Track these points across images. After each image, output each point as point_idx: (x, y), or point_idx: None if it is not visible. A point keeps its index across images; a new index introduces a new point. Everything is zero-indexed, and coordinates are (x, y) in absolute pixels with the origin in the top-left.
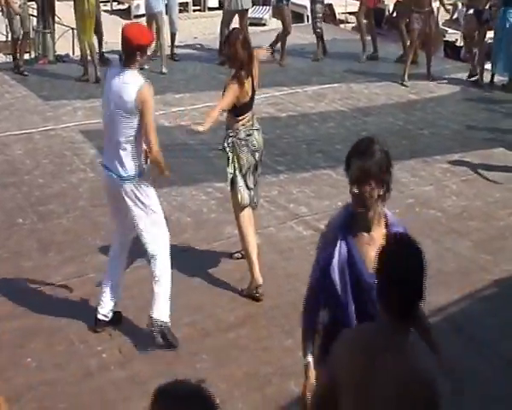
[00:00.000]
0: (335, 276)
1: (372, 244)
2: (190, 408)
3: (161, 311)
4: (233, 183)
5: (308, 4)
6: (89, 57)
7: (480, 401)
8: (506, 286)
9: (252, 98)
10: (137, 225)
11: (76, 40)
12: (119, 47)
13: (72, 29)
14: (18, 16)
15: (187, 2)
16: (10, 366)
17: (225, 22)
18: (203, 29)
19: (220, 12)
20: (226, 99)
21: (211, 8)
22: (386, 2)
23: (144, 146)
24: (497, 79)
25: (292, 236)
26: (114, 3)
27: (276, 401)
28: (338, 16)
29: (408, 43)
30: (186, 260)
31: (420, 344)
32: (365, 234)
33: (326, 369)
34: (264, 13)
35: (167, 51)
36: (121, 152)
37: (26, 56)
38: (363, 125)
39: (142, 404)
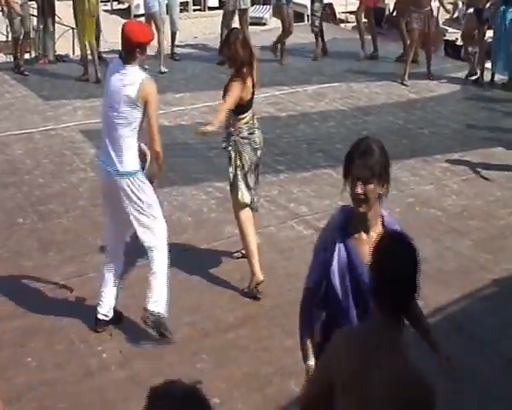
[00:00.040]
0: (336, 281)
1: (371, 245)
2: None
3: (158, 303)
4: (234, 182)
5: (309, 4)
6: (89, 57)
7: (481, 400)
8: (506, 285)
9: (252, 96)
10: (134, 220)
11: (76, 40)
12: (119, 46)
13: (73, 29)
14: (18, 16)
15: (187, 2)
16: (11, 365)
17: (225, 22)
18: (203, 29)
19: (220, 11)
20: (232, 98)
21: (211, 8)
22: (386, 2)
23: (143, 146)
24: (497, 77)
25: (292, 235)
26: (114, 3)
27: (276, 402)
28: (338, 16)
29: (408, 43)
30: (186, 259)
31: (421, 344)
32: (364, 234)
33: (319, 369)
34: (265, 12)
35: (167, 51)
36: (119, 147)
37: (27, 56)
38: (363, 124)
39: (143, 404)
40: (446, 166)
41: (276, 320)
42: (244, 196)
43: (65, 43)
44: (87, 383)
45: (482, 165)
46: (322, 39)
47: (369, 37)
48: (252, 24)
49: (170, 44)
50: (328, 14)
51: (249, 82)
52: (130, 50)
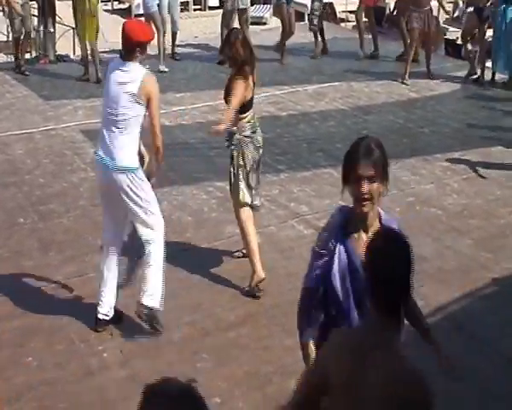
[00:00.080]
0: (337, 283)
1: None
2: (181, 408)
3: (153, 296)
4: (235, 181)
5: (309, 3)
6: (89, 57)
7: (481, 399)
8: (506, 284)
9: (253, 95)
10: (132, 217)
11: (77, 40)
12: (119, 46)
13: (73, 29)
14: (19, 16)
15: (187, 2)
16: (11, 365)
17: (225, 22)
18: (204, 28)
19: (221, 11)
20: (237, 97)
21: (211, 8)
22: (386, 1)
23: (142, 148)
24: (497, 76)
25: (292, 235)
26: (115, 3)
27: (276, 400)
28: (338, 15)
29: (408, 42)
30: (186, 259)
31: (421, 344)
32: (363, 234)
33: (314, 369)
34: (265, 11)
35: (168, 50)
36: (118, 143)
37: (27, 56)
38: (363, 123)
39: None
40: (447, 166)
41: (277, 319)
42: (245, 195)
43: (65, 43)
44: (87, 382)
45: (482, 164)
46: (323, 38)
47: (370, 36)
48: (252, 23)
49: (170, 44)
50: (329, 13)
51: (251, 81)
52: (131, 49)
